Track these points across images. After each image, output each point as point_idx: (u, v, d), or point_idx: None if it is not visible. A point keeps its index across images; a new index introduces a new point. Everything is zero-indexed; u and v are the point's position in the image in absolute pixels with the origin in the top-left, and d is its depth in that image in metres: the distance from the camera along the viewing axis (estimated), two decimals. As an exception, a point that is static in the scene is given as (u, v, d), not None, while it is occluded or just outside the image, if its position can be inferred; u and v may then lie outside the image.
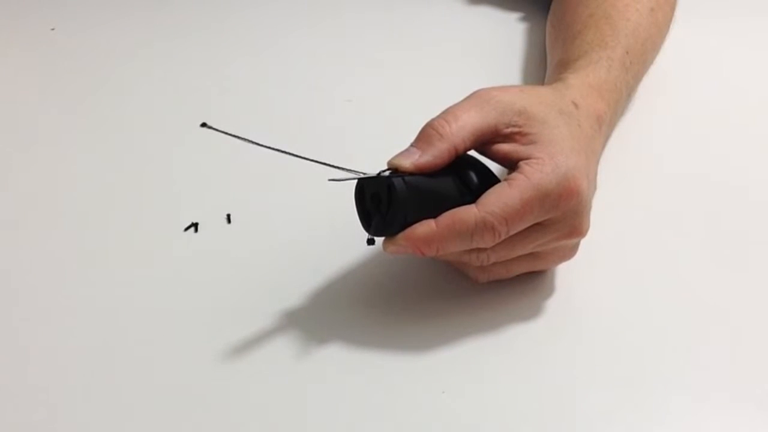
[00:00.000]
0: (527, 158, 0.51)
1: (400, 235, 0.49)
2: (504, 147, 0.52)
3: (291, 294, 0.55)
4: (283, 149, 0.61)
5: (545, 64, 0.72)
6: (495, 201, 0.49)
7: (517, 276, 0.55)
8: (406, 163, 0.50)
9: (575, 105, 0.56)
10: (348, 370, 0.51)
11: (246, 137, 0.67)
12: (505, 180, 0.50)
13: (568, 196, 0.50)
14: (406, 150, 0.51)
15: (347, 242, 0.57)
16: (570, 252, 0.55)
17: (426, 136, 0.51)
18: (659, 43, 0.71)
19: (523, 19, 0.83)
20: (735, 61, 0.78)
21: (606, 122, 0.59)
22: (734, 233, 0.61)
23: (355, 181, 0.51)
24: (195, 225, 0.61)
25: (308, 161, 0.55)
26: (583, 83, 0.59)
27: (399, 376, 0.51)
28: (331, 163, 0.52)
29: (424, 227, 0.49)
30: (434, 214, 0.50)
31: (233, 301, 0.55)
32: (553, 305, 0.55)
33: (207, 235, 0.61)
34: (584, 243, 0.55)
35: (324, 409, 0.49)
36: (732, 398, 0.50)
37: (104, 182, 0.65)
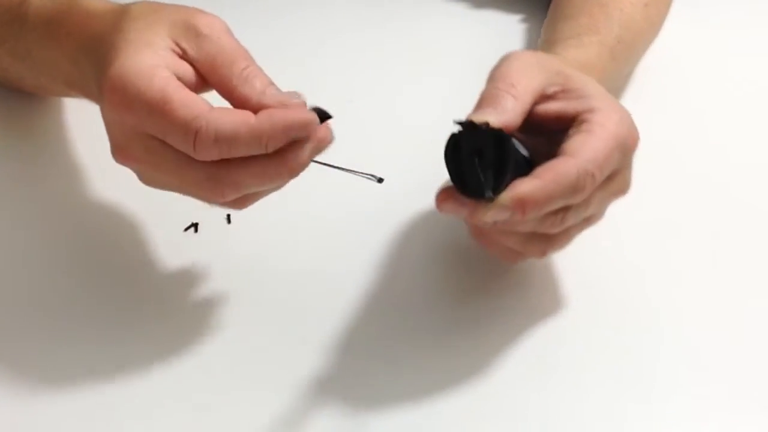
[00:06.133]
0: (588, 110, 0.49)
1: (506, 195, 0.45)
2: (554, 105, 0.50)
3: (291, 294, 0.56)
4: (283, 149, 0.61)
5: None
6: (587, 149, 0.47)
7: (517, 276, 0.55)
8: (497, 120, 0.46)
9: None
10: (347, 370, 0.51)
11: (246, 137, 0.67)
12: (582, 131, 0.48)
13: (634, 144, 0.49)
14: (489, 107, 0.48)
15: (347, 242, 0.57)
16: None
17: (498, 98, 0.48)
18: (650, 39, 0.71)
19: (524, 20, 0.83)
20: (733, 59, 0.78)
21: None
22: (734, 233, 0.61)
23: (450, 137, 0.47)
24: (195, 225, 0.61)
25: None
26: (574, 60, 0.58)
27: (399, 376, 0.51)
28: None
29: (528, 184, 0.45)
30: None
31: (233, 301, 0.56)
32: (553, 305, 0.55)
33: (207, 235, 0.61)
34: (584, 243, 0.54)
35: (324, 407, 0.50)
36: (732, 398, 0.50)
37: (104, 181, 0.65)
